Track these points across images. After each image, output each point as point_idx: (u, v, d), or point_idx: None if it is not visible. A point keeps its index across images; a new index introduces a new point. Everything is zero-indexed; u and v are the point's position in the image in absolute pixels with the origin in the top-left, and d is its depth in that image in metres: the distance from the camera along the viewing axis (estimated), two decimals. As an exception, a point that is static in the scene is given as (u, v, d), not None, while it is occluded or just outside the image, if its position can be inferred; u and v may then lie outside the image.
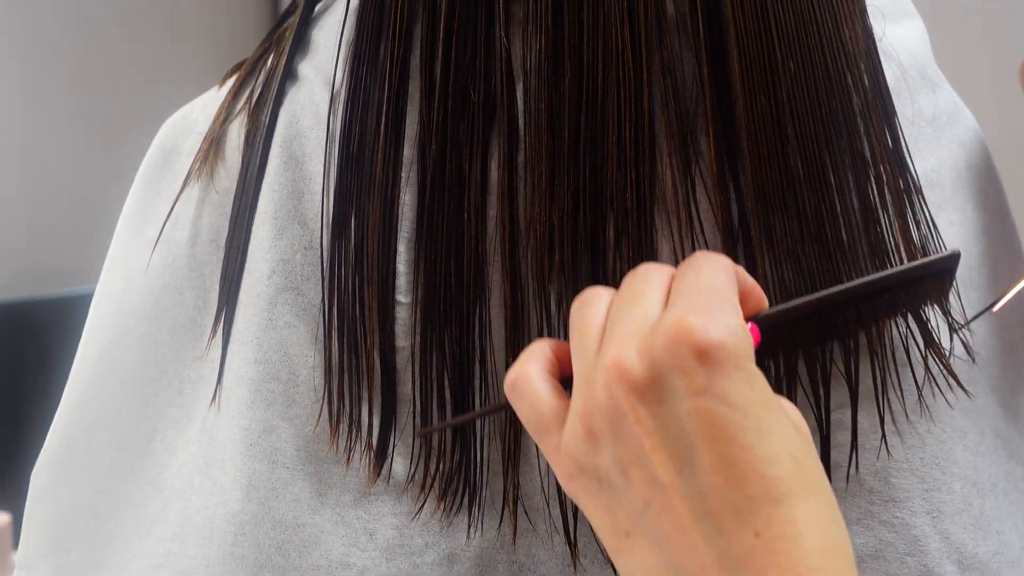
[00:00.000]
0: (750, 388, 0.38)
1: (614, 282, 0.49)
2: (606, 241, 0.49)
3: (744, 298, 0.43)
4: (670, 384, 0.38)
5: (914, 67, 0.56)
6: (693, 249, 0.50)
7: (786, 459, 0.37)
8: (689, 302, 0.39)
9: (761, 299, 0.44)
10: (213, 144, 0.57)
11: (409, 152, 0.52)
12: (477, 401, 0.51)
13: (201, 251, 0.56)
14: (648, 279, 0.42)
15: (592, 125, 0.49)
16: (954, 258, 0.47)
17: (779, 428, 0.38)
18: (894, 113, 0.53)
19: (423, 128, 0.51)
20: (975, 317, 0.53)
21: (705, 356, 0.37)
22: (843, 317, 0.48)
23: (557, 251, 0.50)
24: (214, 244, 0.56)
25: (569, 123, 0.49)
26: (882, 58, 0.54)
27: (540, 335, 0.51)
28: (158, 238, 0.58)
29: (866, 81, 0.52)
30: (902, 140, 0.53)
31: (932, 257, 0.48)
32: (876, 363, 0.51)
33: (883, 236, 0.51)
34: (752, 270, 0.49)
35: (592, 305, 0.42)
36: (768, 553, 0.36)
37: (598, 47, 0.49)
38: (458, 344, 0.51)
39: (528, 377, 0.43)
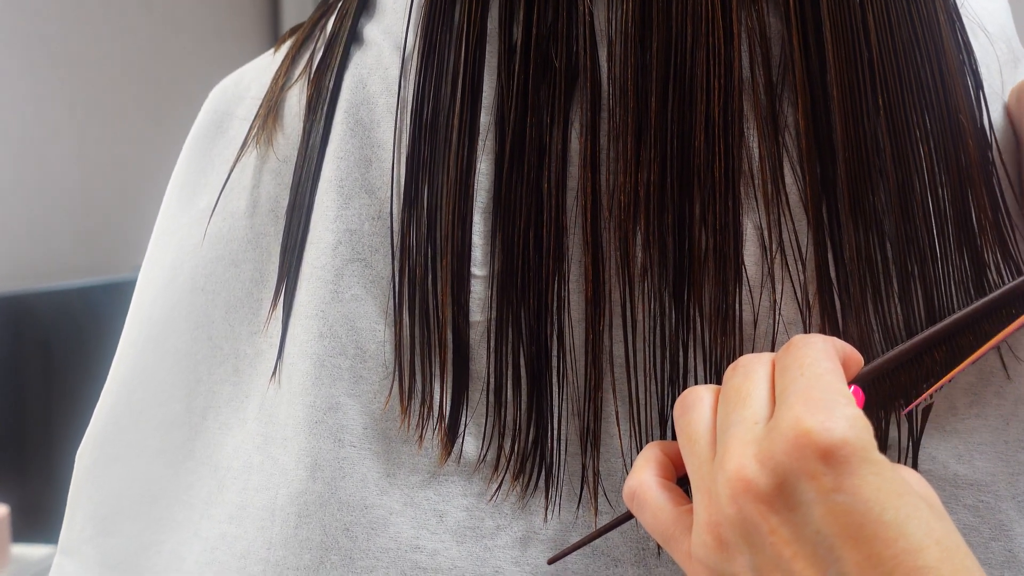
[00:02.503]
0: (880, 479, 0.37)
1: (700, 260, 0.48)
2: (692, 214, 0.48)
3: (844, 366, 0.43)
4: (798, 490, 0.37)
5: (1001, 39, 0.55)
6: (779, 225, 0.48)
7: (932, 546, 0.36)
8: (801, 399, 0.39)
9: (858, 359, 0.45)
10: (272, 109, 0.55)
11: (486, 119, 0.50)
12: (554, 379, 0.50)
13: (260, 222, 0.54)
14: (750, 375, 0.42)
15: (680, 93, 0.47)
16: None
17: (917, 514, 0.37)
18: (981, 86, 0.52)
19: (502, 94, 0.49)
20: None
21: (830, 456, 0.37)
22: (936, 357, 0.48)
23: (642, 223, 0.48)
24: (273, 215, 0.54)
25: (657, 90, 0.47)
26: (971, 31, 0.53)
27: (623, 311, 0.49)
28: (214, 209, 0.56)
29: (953, 53, 0.51)
30: (987, 114, 0.51)
31: (1016, 282, 0.48)
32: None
33: (970, 212, 0.50)
34: (838, 246, 0.48)
35: (696, 410, 0.43)
36: None
37: (687, 12, 0.47)
38: (536, 319, 0.49)
39: (646, 486, 0.43)
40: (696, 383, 0.49)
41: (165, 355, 0.57)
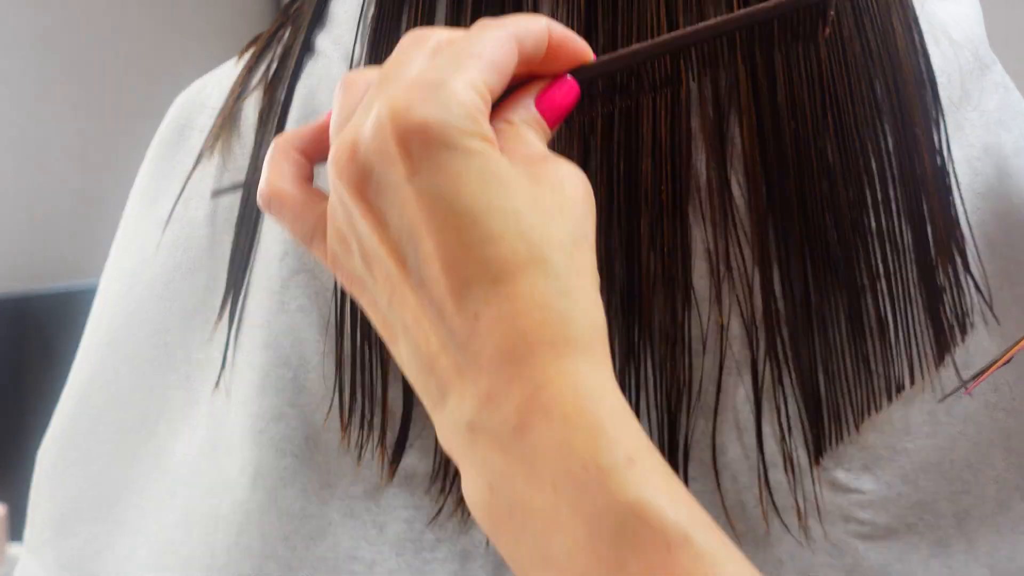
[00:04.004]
0: (464, 167, 0.34)
1: (650, 284, 0.48)
2: (640, 235, 0.48)
3: (554, 51, 0.39)
4: (380, 173, 0.35)
5: (967, 47, 0.54)
6: (726, 240, 0.48)
7: (510, 236, 0.34)
8: (411, 79, 0.35)
9: (576, 51, 0.40)
10: (226, 121, 0.55)
11: None
12: None
13: (217, 231, 0.55)
14: (408, 49, 0.37)
15: (627, 112, 0.47)
16: None
17: (503, 203, 0.34)
18: (937, 97, 0.51)
19: None
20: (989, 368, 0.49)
21: (407, 139, 0.34)
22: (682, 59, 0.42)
23: None
24: (228, 224, 0.54)
25: None
26: (933, 38, 0.53)
27: None
28: (169, 216, 0.56)
29: (910, 63, 0.50)
30: (943, 126, 0.51)
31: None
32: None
33: (925, 228, 0.50)
34: (785, 264, 0.48)
35: (348, 90, 0.39)
36: (487, 334, 0.34)
37: (633, 28, 0.47)
38: None
39: (284, 190, 0.40)
40: (646, 403, 0.49)
41: (123, 360, 0.57)
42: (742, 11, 0.40)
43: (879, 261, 0.49)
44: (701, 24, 0.40)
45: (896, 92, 0.49)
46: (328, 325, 0.51)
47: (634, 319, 0.48)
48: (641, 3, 0.47)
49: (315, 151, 0.41)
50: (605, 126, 0.47)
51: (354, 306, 0.50)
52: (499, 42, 0.37)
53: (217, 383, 0.53)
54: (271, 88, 0.54)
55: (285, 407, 0.50)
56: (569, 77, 0.40)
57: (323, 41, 0.54)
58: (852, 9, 0.48)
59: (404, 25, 0.50)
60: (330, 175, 0.37)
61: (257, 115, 0.54)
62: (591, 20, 0.48)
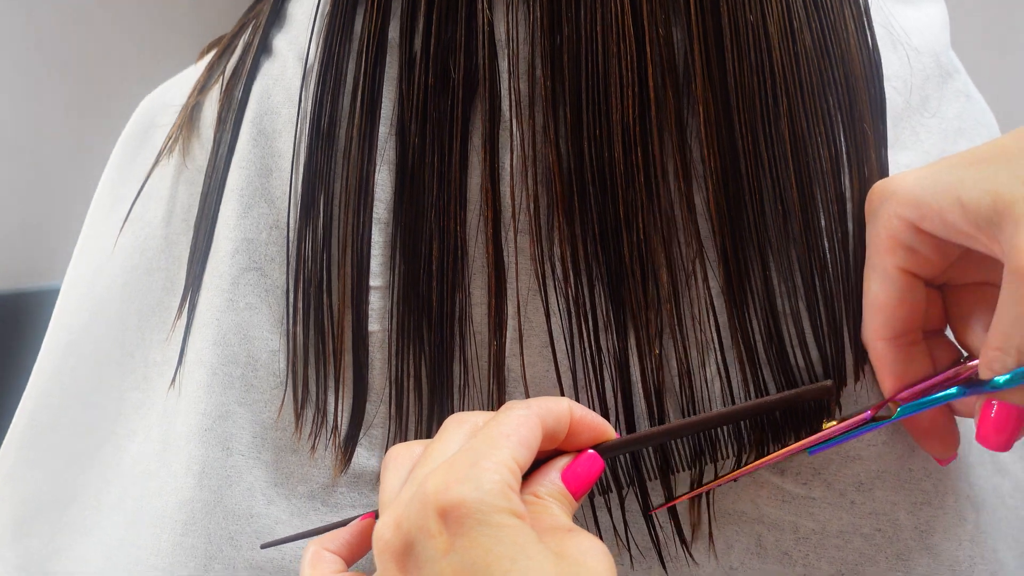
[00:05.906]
0: (493, 541, 0.37)
1: (629, 270, 0.47)
2: (612, 227, 0.47)
3: (576, 428, 0.43)
4: (420, 547, 0.38)
5: (928, 53, 0.54)
6: (694, 234, 0.47)
7: None
8: (448, 462, 0.39)
9: (594, 426, 0.44)
10: (185, 119, 0.55)
11: (384, 129, 0.50)
12: (455, 392, 0.49)
13: (174, 231, 0.54)
14: (442, 435, 0.42)
15: (595, 102, 0.47)
16: (826, 390, 0.46)
17: None
18: (884, 98, 0.51)
19: (402, 104, 0.49)
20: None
21: (445, 516, 0.37)
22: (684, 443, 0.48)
23: (557, 238, 0.48)
24: (185, 224, 0.54)
25: (570, 100, 0.47)
26: (891, 43, 0.52)
27: (524, 325, 0.48)
28: (127, 216, 0.56)
29: (860, 62, 0.50)
30: (884, 129, 0.51)
31: (800, 389, 0.47)
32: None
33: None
34: (740, 253, 0.47)
35: (387, 469, 0.43)
36: None
37: (597, 21, 0.47)
38: (438, 331, 0.49)
39: None
40: (616, 396, 0.49)
41: (82, 361, 0.57)
42: (753, 402, 0.46)
43: (826, 256, 0.48)
44: (715, 412, 0.46)
45: (846, 88, 0.49)
46: (278, 323, 0.50)
47: (609, 310, 0.48)
48: (605, 1, 0.47)
49: (348, 552, 0.45)
50: (573, 111, 0.47)
51: (306, 299, 0.50)
52: (524, 420, 0.41)
53: (172, 381, 0.53)
54: (229, 87, 0.54)
55: (232, 405, 0.50)
56: (592, 452, 0.43)
57: (280, 41, 0.54)
58: (808, 7, 0.48)
59: (359, 22, 0.50)
60: (375, 549, 0.39)
61: (216, 114, 0.54)
62: (554, 15, 0.47)
